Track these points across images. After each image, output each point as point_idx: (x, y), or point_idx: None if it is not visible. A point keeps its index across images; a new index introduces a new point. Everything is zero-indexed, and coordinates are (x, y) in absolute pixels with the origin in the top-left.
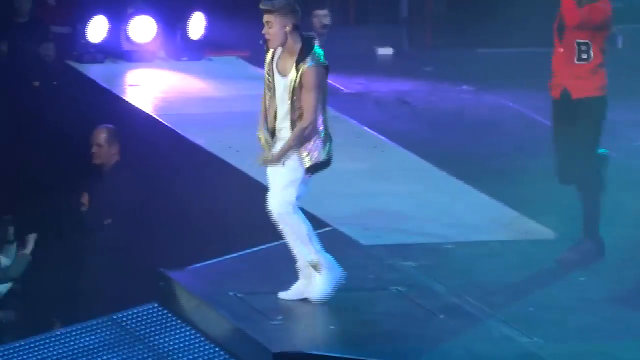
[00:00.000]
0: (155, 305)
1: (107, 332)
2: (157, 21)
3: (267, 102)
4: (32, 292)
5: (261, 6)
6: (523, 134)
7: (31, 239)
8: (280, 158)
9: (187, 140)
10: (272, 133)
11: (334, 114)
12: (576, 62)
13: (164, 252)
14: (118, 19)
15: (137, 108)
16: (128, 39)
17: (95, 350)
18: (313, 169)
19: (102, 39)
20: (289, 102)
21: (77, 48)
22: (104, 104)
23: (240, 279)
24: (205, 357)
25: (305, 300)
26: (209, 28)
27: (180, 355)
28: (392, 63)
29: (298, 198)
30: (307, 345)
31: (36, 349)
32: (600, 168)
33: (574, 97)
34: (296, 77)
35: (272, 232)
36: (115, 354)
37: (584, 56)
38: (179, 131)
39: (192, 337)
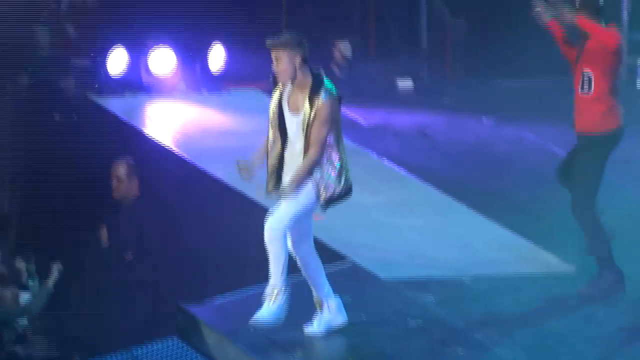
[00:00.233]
0: (175, 339)
1: None
2: (177, 53)
3: (270, 140)
4: (52, 326)
5: (268, 44)
6: (543, 166)
7: (55, 269)
8: (293, 188)
9: (206, 174)
10: (273, 172)
11: (353, 147)
12: (580, 92)
13: (183, 286)
14: (138, 52)
15: (156, 141)
16: (148, 71)
17: None
18: (328, 203)
19: (122, 71)
20: (304, 138)
21: (97, 81)
22: (123, 137)
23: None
24: None
25: (325, 334)
26: (228, 60)
27: None
28: (411, 95)
29: (293, 225)
30: None
31: None
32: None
33: (576, 130)
34: (310, 112)
35: (291, 263)
36: None
37: (585, 87)
38: (198, 164)
39: None
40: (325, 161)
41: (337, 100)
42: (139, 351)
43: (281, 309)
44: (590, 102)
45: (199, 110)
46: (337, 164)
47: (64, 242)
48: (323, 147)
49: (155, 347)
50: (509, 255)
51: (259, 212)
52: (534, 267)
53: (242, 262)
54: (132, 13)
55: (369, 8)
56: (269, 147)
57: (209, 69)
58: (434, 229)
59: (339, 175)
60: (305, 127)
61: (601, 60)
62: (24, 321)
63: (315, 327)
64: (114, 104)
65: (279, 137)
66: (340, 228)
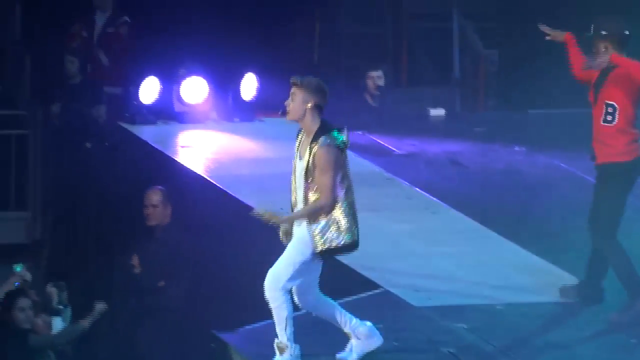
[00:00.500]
0: None
1: None
2: (209, 82)
3: (293, 185)
4: (84, 353)
5: (290, 80)
6: (575, 195)
7: (98, 309)
8: (286, 221)
9: (238, 202)
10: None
11: (386, 175)
12: (602, 123)
13: (216, 314)
14: (170, 80)
15: (188, 169)
16: (180, 100)
17: None
18: (327, 253)
19: (154, 100)
20: (304, 185)
21: (129, 109)
22: (156, 165)
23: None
24: None
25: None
26: (260, 89)
27: None
28: (444, 124)
29: (292, 280)
30: None
31: None
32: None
33: (597, 162)
34: (309, 158)
35: (324, 292)
36: None
37: (609, 118)
38: (230, 192)
39: None
40: (332, 212)
41: (338, 148)
42: None
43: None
44: (614, 132)
45: (231, 138)
46: (340, 217)
47: (97, 270)
48: (330, 194)
49: None
50: (541, 282)
51: None
52: None
53: None
54: (165, 42)
55: (402, 39)
56: (292, 189)
57: (241, 97)
58: (465, 256)
59: (340, 229)
60: (304, 173)
61: (629, 92)
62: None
63: (346, 354)
64: (146, 132)
65: (294, 182)
66: (372, 255)
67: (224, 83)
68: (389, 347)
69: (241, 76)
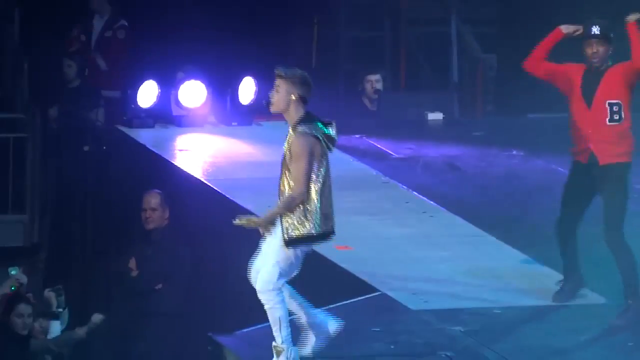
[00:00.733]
0: None
1: None
2: (207, 86)
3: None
4: (81, 357)
5: (275, 71)
6: None
7: (96, 319)
8: (264, 222)
9: (236, 205)
10: None
11: (384, 179)
12: (608, 123)
13: (213, 317)
14: (168, 84)
15: (186, 173)
16: (178, 103)
17: None
18: (293, 243)
19: (152, 103)
20: (281, 173)
21: (127, 113)
22: (153, 168)
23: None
24: None
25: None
26: (259, 93)
27: None
28: (442, 128)
29: (282, 277)
30: None
31: None
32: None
33: (602, 162)
34: (287, 146)
35: (321, 295)
36: None
37: (616, 117)
38: (228, 196)
39: None
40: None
41: (315, 138)
42: None
43: None
44: (625, 131)
45: (229, 142)
46: (315, 204)
47: (92, 272)
48: (303, 183)
49: None
50: (538, 286)
51: None
52: None
53: None
54: (163, 46)
55: (400, 43)
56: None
57: (239, 101)
58: (463, 260)
59: (314, 215)
60: (282, 162)
61: (629, 88)
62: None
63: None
64: (144, 136)
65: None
66: (369, 259)
67: (222, 87)
68: (386, 351)
69: (239, 80)
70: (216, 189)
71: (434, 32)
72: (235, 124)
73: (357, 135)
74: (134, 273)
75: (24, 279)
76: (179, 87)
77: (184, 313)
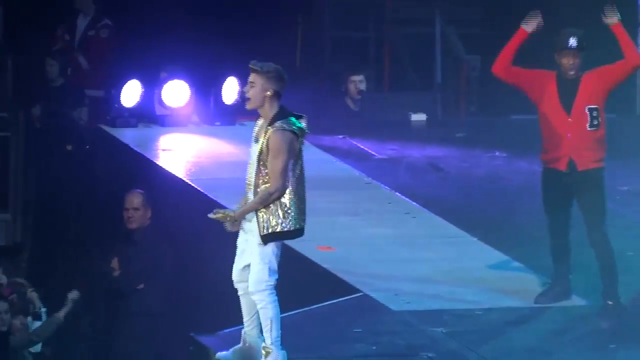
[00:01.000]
0: None
1: None
2: (191, 86)
3: (248, 173)
4: (63, 356)
5: (250, 65)
6: None
7: (70, 299)
8: (239, 216)
9: (219, 205)
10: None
11: (367, 180)
12: (588, 128)
13: (195, 317)
14: (152, 84)
15: (169, 172)
16: (161, 103)
17: None
18: (270, 238)
19: (135, 103)
20: (255, 170)
21: (110, 112)
22: (136, 168)
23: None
24: None
25: None
26: (242, 93)
27: None
28: (425, 129)
29: (272, 274)
30: None
31: None
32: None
33: (580, 168)
34: (264, 141)
35: (303, 296)
36: None
37: (595, 122)
38: (211, 196)
39: None
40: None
41: (293, 133)
42: None
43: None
44: (601, 137)
45: (212, 142)
46: (289, 200)
47: (75, 271)
48: (281, 179)
49: None
50: (521, 287)
51: None
52: None
53: None
54: (147, 45)
55: (384, 44)
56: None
57: (222, 101)
58: (445, 261)
59: (290, 212)
60: (258, 157)
61: (605, 93)
62: (37, 348)
63: (226, 354)
64: (127, 135)
65: (249, 166)
66: (351, 260)
67: (206, 86)
68: (368, 352)
69: (223, 80)
70: (199, 188)
71: (418, 32)
72: (219, 123)
73: (340, 136)
74: (116, 272)
75: (3, 279)
76: (162, 87)
77: (166, 313)
